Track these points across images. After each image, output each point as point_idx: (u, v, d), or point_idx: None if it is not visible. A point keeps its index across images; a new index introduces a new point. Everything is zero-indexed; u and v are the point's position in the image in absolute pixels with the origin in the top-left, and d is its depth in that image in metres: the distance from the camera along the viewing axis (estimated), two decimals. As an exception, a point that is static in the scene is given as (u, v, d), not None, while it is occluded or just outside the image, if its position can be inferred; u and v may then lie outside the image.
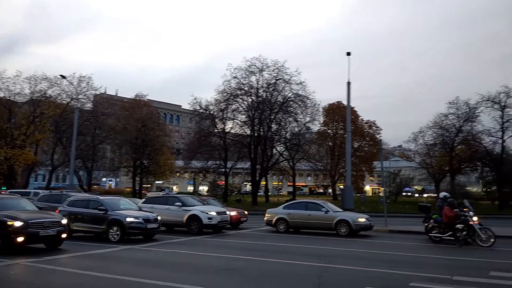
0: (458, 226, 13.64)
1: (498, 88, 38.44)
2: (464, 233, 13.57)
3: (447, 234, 13.98)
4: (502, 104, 37.12)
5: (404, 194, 62.44)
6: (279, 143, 44.35)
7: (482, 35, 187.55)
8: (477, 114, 39.26)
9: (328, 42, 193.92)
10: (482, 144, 39.57)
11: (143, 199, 20.57)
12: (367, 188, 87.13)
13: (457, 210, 14.12)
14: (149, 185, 63.03)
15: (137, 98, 48.85)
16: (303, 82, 40.13)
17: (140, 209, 15.65)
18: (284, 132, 43.35)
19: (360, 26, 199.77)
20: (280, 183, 70.16)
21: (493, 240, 13.23)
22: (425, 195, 65.46)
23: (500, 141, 38.10)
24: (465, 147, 41.80)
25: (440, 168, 44.54)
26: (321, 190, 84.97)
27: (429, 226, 14.87)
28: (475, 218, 13.79)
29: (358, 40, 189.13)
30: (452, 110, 40.59)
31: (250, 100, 41.55)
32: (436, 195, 37.79)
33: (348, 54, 28.19)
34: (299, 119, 41.98)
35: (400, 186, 55.81)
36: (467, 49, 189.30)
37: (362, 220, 16.90)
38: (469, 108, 39.45)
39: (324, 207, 17.56)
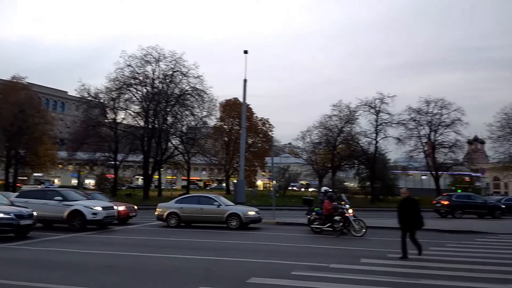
0: (336, 217, 15.01)
1: (374, 94, 43.17)
2: (341, 224, 14.97)
3: (326, 225, 15.27)
4: (377, 109, 41.81)
5: (290, 188, 66.32)
6: (174, 136, 43.55)
7: (370, 46, 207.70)
8: (356, 116, 43.63)
9: (228, 39, 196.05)
10: (359, 144, 44.07)
11: (17, 193, 18.51)
12: (259, 182, 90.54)
13: (336, 203, 15.51)
14: (26, 178, 56.72)
15: (14, 80, 43.47)
16: (201, 76, 40.06)
17: (12, 204, 14.05)
18: (180, 126, 42.76)
19: (261, 28, 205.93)
20: (174, 177, 69.03)
21: (364, 230, 14.83)
22: (310, 190, 70.47)
23: (374, 142, 42.85)
24: (345, 146, 46.07)
25: (323, 164, 48.40)
26: (216, 184, 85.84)
27: (311, 218, 16.08)
28: (350, 211, 15.29)
29: (258, 40, 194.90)
30: (336, 112, 44.49)
31: (145, 90, 40.07)
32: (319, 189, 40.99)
33: (245, 52, 28.93)
34: (195, 113, 41.80)
35: (288, 181, 59.21)
36: (354, 57, 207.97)
37: (252, 213, 17.54)
38: (350, 111, 43.61)
39: (216, 201, 17.80)
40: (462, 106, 42.33)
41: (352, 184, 58.37)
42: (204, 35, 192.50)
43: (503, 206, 27.27)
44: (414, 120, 43.05)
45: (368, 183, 46.95)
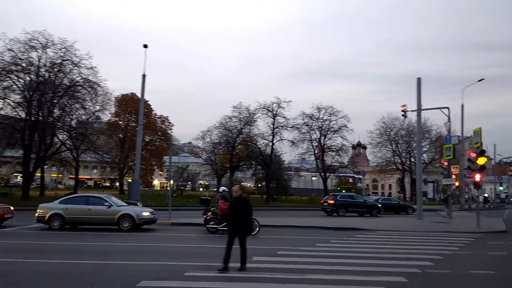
0: (232, 217, 15.25)
1: (272, 98, 45.09)
2: (236, 223, 15.24)
3: (222, 225, 15.42)
4: (274, 112, 43.75)
5: (188, 188, 65.83)
6: (61, 130, 39.90)
7: (269, 51, 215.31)
8: (255, 119, 45.14)
9: (128, 30, 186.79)
10: (257, 146, 45.64)
11: None
12: (156, 182, 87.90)
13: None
14: None
15: None
16: (95, 67, 37.30)
17: None
18: (69, 119, 39.34)
19: (164, 22, 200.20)
20: (60, 175, 63.40)
21: (258, 229, 15.29)
22: (209, 189, 70.69)
23: (270, 144, 44.74)
24: (243, 147, 47.30)
25: (222, 164, 49.01)
26: (108, 184, 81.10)
27: (208, 217, 16.11)
28: (245, 210, 15.66)
29: (160, 34, 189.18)
30: (236, 114, 45.44)
31: (28, 78, 35.95)
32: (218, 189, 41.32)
33: (145, 46, 27.80)
34: (87, 107, 38.77)
35: (187, 180, 58.64)
36: (254, 60, 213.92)
37: (146, 214, 16.91)
38: (249, 113, 44.94)
39: (107, 201, 16.78)
40: (348, 114, 46.61)
41: (249, 184, 60.07)
42: (102, 24, 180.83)
43: (380, 205, 30.51)
44: (307, 125, 46.14)
45: (264, 183, 48.81)
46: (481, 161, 19.22)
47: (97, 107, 39.86)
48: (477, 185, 20.28)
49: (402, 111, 27.72)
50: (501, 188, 69.59)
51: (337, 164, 49.14)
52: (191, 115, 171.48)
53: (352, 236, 15.66)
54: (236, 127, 45.67)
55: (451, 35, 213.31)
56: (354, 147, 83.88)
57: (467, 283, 8.25)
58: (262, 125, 45.51)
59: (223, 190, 16.89)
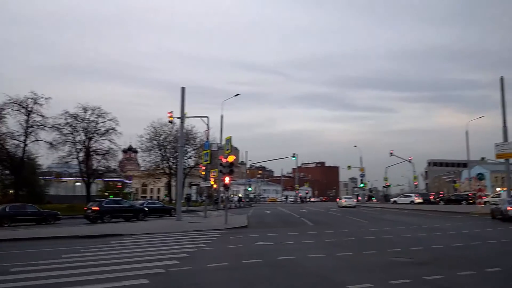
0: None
1: (27, 93, 38.85)
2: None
3: None
4: (29, 109, 38.03)
5: None
6: None
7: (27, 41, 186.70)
8: (3, 115, 38.13)
9: None
10: (4, 147, 38.67)
11: None
12: None
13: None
14: None
15: None
16: None
17: None
18: None
19: None
20: None
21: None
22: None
23: (22, 145, 38.61)
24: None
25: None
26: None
27: None
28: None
29: None
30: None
31: None
32: None
33: None
34: None
35: None
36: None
37: None
38: (-5, 109, 37.71)
39: None
40: (117, 116, 45.16)
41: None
42: None
43: (146, 209, 30.79)
44: (70, 126, 42.25)
45: (13, 191, 41.79)
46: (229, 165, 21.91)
47: None
48: (226, 187, 23.02)
49: (169, 117, 28.92)
50: (250, 189, 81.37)
51: (104, 168, 46.78)
52: None
53: (107, 243, 15.12)
54: (-26, 124, 37.54)
55: (218, 53, 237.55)
56: (125, 151, 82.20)
57: (202, 276, 9.09)
58: (12, 123, 38.78)
59: None
